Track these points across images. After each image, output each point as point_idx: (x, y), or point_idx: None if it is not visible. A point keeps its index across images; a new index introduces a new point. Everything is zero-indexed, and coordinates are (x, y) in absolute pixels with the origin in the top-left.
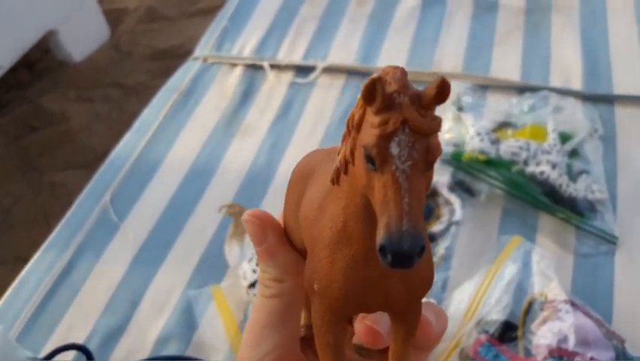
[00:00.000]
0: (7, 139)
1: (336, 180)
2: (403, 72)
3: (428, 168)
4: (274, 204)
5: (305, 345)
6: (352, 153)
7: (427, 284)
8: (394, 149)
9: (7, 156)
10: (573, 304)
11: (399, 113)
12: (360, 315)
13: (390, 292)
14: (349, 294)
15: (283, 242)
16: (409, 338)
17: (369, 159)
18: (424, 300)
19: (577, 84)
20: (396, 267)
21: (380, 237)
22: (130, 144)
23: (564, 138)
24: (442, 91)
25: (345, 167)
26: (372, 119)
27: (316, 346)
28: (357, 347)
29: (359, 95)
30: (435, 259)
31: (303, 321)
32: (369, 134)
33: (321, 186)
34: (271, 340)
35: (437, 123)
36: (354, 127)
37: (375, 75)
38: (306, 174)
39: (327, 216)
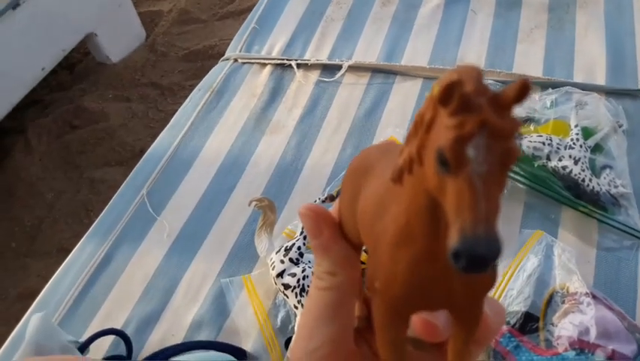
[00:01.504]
0: (49, 138)
1: (398, 179)
2: (479, 72)
3: (505, 172)
4: (301, 198)
5: (358, 337)
6: (419, 153)
7: (489, 283)
8: (471, 152)
9: (51, 153)
10: (594, 297)
11: (477, 114)
12: None
13: (453, 291)
14: (411, 293)
15: (337, 236)
16: (470, 336)
17: (443, 162)
18: None
19: (601, 79)
20: (470, 272)
21: (454, 241)
22: (165, 141)
23: (587, 133)
24: (522, 92)
25: (409, 166)
26: (447, 120)
27: (377, 343)
28: (412, 340)
29: (427, 94)
30: None
31: (357, 313)
32: (443, 136)
33: (380, 183)
34: (324, 332)
35: (516, 125)
36: (424, 128)
37: (451, 75)
38: (363, 170)
39: (388, 215)
